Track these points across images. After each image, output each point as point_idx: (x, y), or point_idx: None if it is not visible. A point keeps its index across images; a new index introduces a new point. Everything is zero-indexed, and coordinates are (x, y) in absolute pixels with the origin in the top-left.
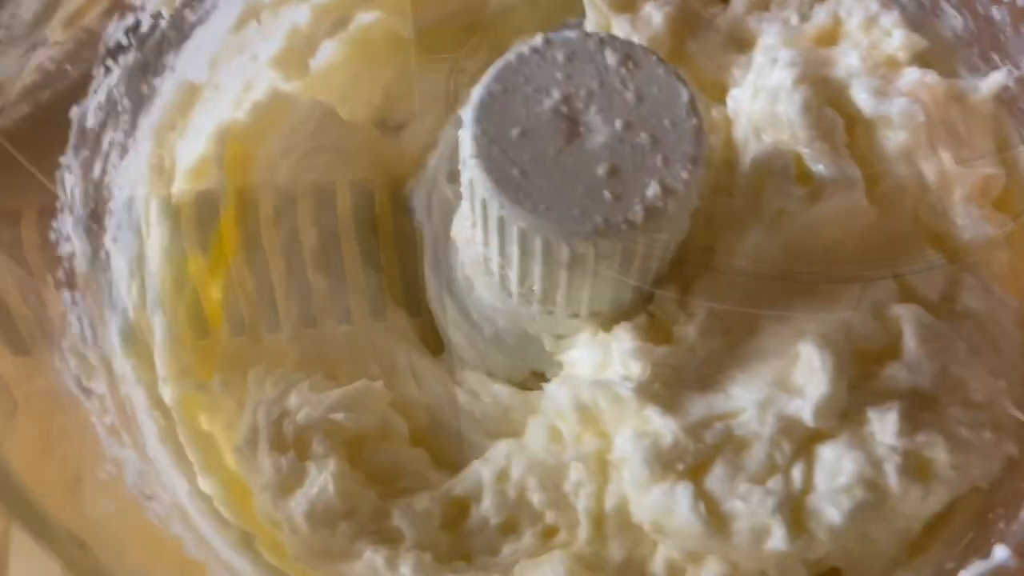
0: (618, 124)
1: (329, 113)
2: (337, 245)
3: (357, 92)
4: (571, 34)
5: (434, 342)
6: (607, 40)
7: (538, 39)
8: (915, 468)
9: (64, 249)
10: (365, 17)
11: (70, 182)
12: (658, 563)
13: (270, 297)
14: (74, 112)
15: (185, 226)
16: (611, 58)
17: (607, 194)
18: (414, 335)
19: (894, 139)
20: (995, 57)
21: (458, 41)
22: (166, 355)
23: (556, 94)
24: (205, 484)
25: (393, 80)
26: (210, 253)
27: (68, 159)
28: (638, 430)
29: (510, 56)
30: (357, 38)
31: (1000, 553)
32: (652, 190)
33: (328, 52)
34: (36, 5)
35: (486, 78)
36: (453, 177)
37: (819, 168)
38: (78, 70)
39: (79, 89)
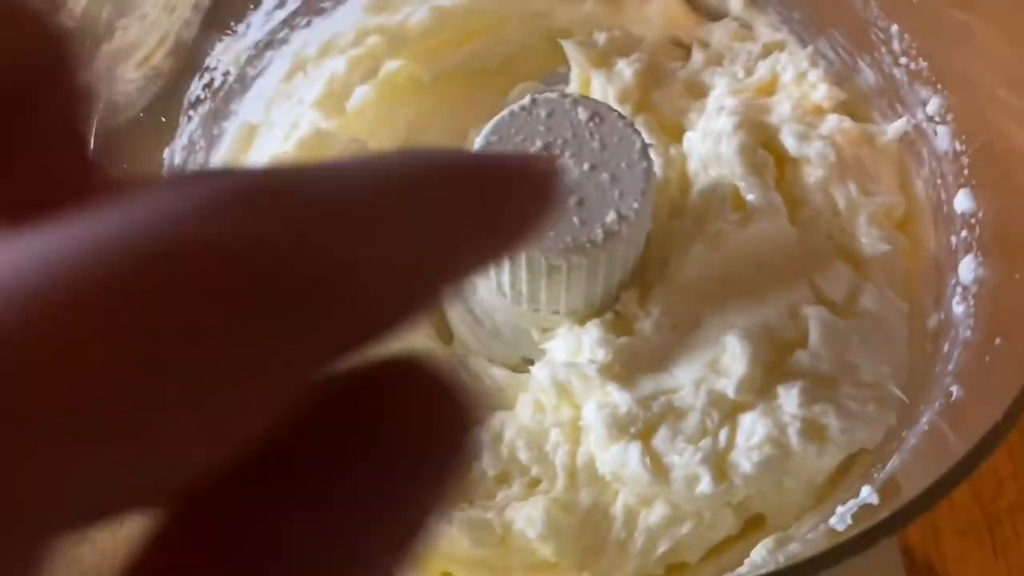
0: (585, 166)
1: (362, 147)
2: None
3: (384, 127)
4: (552, 95)
5: (445, 334)
6: (579, 100)
7: (526, 99)
8: (812, 431)
9: None
10: (391, 65)
11: None
12: (618, 506)
13: None
14: (166, 153)
15: None
16: (582, 114)
17: (575, 220)
18: (429, 328)
19: (813, 174)
20: (899, 107)
21: (468, 84)
22: None
23: (539, 142)
24: None
25: (414, 117)
26: None
27: None
28: (600, 402)
29: (504, 113)
30: (385, 82)
31: (865, 491)
32: (610, 217)
33: (361, 95)
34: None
35: (485, 130)
36: None
37: (751, 198)
38: (167, 116)
39: (167, 133)
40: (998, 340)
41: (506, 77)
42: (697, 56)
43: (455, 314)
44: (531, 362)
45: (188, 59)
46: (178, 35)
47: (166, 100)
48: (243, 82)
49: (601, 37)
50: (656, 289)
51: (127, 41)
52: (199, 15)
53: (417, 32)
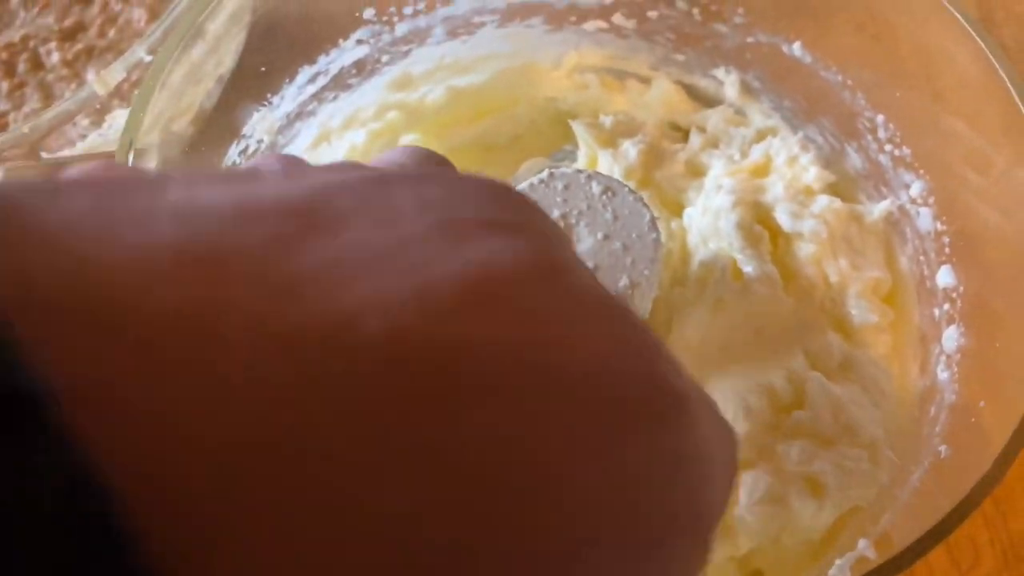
0: (599, 235)
1: None
2: None
3: None
4: (567, 170)
5: None
6: (593, 175)
7: (545, 173)
8: (811, 488)
9: None
10: (407, 138)
11: None
12: None
13: None
14: None
15: None
16: (596, 188)
17: None
18: None
19: (806, 249)
20: (884, 190)
21: (478, 158)
22: None
23: (556, 213)
24: None
25: None
26: None
27: None
28: None
29: (524, 185)
30: None
31: (861, 544)
32: (623, 282)
33: None
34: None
35: None
36: None
37: (748, 269)
38: None
39: None
40: (982, 403)
41: (515, 152)
42: (695, 139)
43: None
44: None
45: (207, 125)
46: (201, 105)
47: (184, 164)
48: (273, 149)
49: (607, 120)
50: None
51: (155, 111)
52: (220, 86)
53: (433, 109)
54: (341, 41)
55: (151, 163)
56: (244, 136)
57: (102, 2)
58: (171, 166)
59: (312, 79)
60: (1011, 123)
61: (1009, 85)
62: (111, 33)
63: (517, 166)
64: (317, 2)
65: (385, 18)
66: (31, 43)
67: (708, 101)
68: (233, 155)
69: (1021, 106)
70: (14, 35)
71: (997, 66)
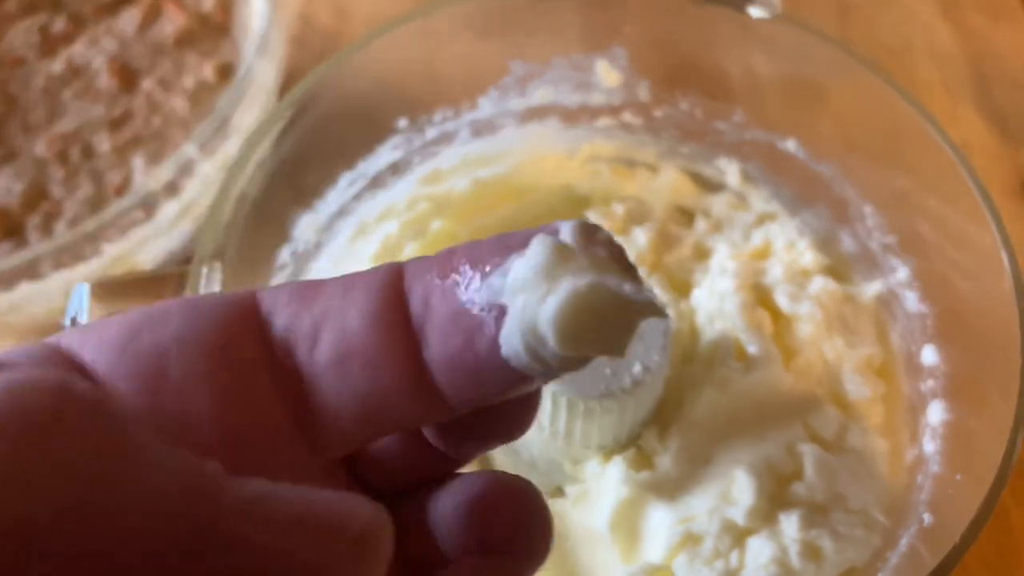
0: None
1: None
2: None
3: None
4: None
5: (487, 463)
6: None
7: None
8: (810, 553)
9: None
10: (435, 225)
11: None
12: None
13: None
14: None
15: None
16: None
17: (607, 370)
18: (474, 461)
19: (804, 330)
20: (875, 272)
21: None
22: None
23: None
24: None
25: None
26: None
27: None
28: None
29: None
30: (430, 239)
31: None
32: (636, 368)
33: (408, 251)
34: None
35: None
36: None
37: (751, 349)
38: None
39: None
40: (958, 476)
41: None
42: (700, 224)
43: (496, 448)
44: (562, 491)
45: (259, 229)
46: (242, 190)
47: (242, 268)
48: (318, 247)
49: (620, 208)
50: (673, 427)
51: (190, 199)
52: (260, 171)
53: (459, 198)
54: (378, 148)
55: (216, 281)
56: (293, 239)
57: (146, 92)
58: (228, 268)
59: (352, 182)
60: (981, 214)
61: (970, 183)
62: (156, 122)
63: None
64: (358, 117)
65: (417, 126)
66: (83, 133)
67: (712, 187)
68: (285, 256)
69: (982, 202)
70: (67, 126)
71: (959, 164)
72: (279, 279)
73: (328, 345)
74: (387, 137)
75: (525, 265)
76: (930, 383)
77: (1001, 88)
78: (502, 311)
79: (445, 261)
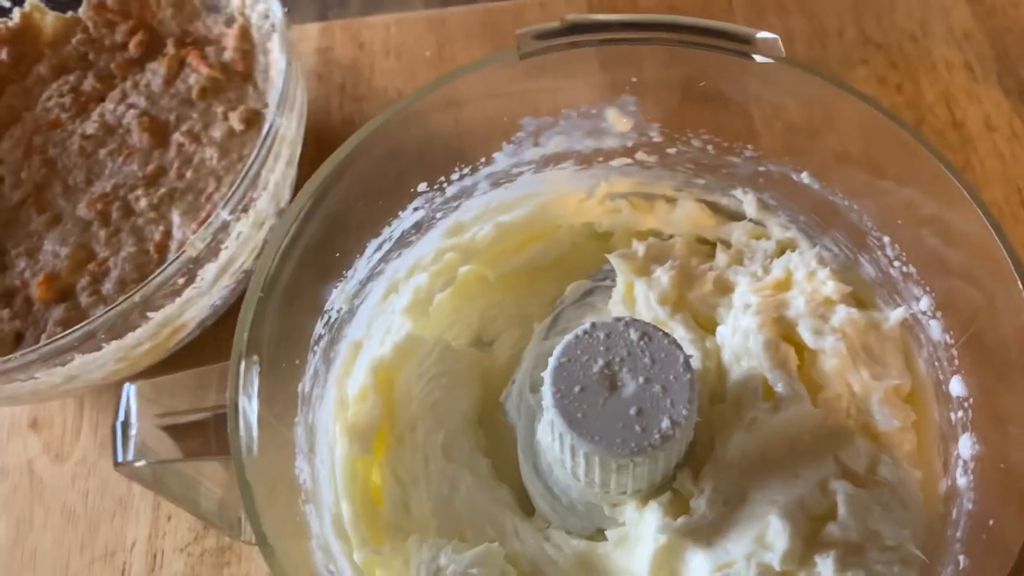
0: (640, 379)
1: (446, 347)
2: (459, 440)
3: (460, 320)
4: (607, 320)
5: (527, 507)
6: (631, 323)
7: (587, 325)
8: None
9: (302, 477)
10: (463, 269)
11: (299, 432)
12: None
13: (414, 480)
14: (299, 387)
15: (355, 438)
16: (634, 335)
17: (637, 428)
18: (515, 503)
19: (829, 363)
20: (897, 298)
21: (527, 279)
22: (353, 531)
23: (600, 361)
24: None
25: (484, 309)
26: (372, 454)
27: (299, 418)
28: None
29: (570, 337)
30: (459, 285)
31: None
32: (665, 423)
33: (439, 298)
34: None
35: (556, 352)
36: (534, 388)
37: (778, 387)
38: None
39: (297, 370)
40: (991, 521)
41: (560, 270)
42: (721, 257)
43: (536, 492)
44: (603, 532)
45: (294, 303)
46: (264, 240)
47: (278, 344)
48: (351, 312)
49: (640, 248)
50: (706, 468)
51: (227, 257)
52: (278, 217)
53: (484, 244)
54: (400, 212)
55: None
56: (326, 311)
57: (177, 145)
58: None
59: (379, 247)
60: (997, 255)
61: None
62: (188, 174)
63: (563, 282)
64: (377, 189)
65: (436, 186)
66: (121, 191)
67: (731, 215)
68: (319, 329)
69: (997, 239)
70: (106, 185)
71: (976, 206)
72: (316, 351)
73: None
74: (408, 201)
75: None
76: (959, 414)
77: None
78: None
79: None
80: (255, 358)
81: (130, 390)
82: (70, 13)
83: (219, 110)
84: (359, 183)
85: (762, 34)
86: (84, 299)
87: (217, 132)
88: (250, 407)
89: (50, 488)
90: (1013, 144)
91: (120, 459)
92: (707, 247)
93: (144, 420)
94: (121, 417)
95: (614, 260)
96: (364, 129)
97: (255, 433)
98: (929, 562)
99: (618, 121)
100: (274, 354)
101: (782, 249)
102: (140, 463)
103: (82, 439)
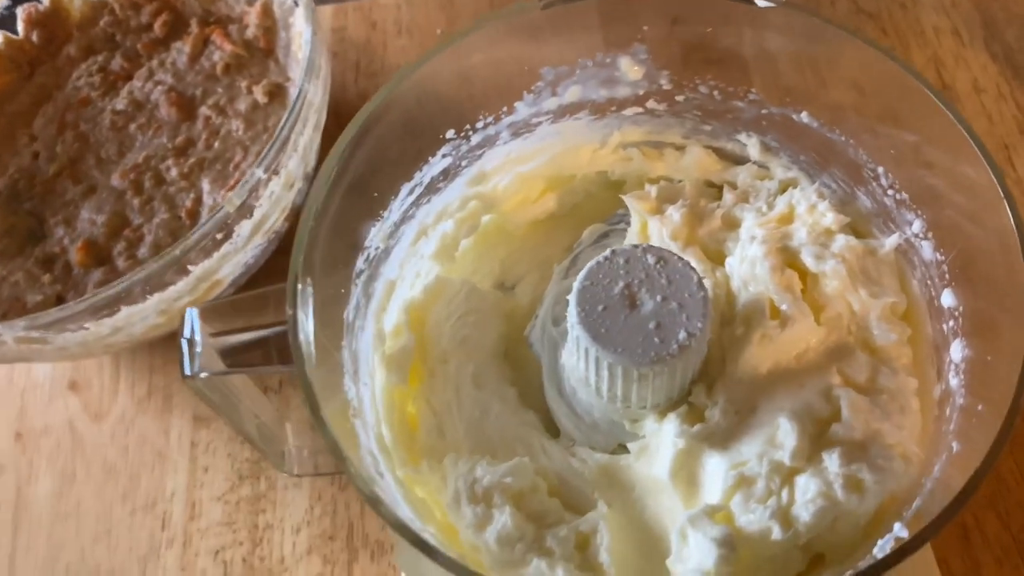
0: (658, 298)
1: (472, 288)
2: (487, 371)
3: (483, 266)
4: (626, 247)
5: (553, 430)
6: (647, 248)
7: (607, 251)
8: (852, 485)
9: (350, 395)
10: (485, 218)
11: (346, 355)
12: None
13: (447, 409)
14: (344, 312)
15: (392, 369)
16: (650, 259)
17: (656, 339)
18: (540, 426)
19: (830, 285)
20: (892, 226)
21: (546, 227)
22: (393, 451)
23: (620, 283)
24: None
25: (506, 256)
26: (407, 384)
27: (345, 342)
28: None
29: (592, 263)
30: (481, 233)
31: (897, 527)
32: (682, 335)
33: (464, 244)
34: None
35: (580, 276)
36: (556, 322)
37: (784, 307)
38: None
39: (342, 298)
40: (980, 407)
41: (577, 218)
42: (728, 196)
43: (561, 413)
44: (625, 447)
45: (335, 242)
46: (293, 202)
47: (325, 278)
48: (387, 252)
49: (652, 189)
50: (719, 383)
51: (260, 216)
52: (308, 183)
53: (505, 193)
54: (430, 158)
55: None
56: (366, 247)
57: (204, 118)
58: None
59: (411, 191)
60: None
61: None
62: (216, 144)
63: (579, 230)
64: (411, 134)
65: (462, 134)
66: (152, 162)
67: (736, 160)
68: (360, 264)
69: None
70: (137, 157)
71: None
72: (358, 283)
73: None
74: (438, 148)
75: None
76: (951, 323)
77: (1010, 28)
78: None
79: None
80: (309, 280)
81: (193, 312)
82: None
83: (243, 84)
84: (396, 126)
85: None
86: (121, 263)
87: (242, 105)
88: (306, 322)
89: (91, 444)
90: (1000, 104)
91: (188, 372)
92: (714, 189)
93: (206, 336)
94: (187, 335)
95: (628, 200)
96: (401, 73)
97: (312, 346)
98: (925, 457)
99: (630, 70)
100: (323, 280)
101: (784, 187)
102: (204, 374)
103: (119, 398)
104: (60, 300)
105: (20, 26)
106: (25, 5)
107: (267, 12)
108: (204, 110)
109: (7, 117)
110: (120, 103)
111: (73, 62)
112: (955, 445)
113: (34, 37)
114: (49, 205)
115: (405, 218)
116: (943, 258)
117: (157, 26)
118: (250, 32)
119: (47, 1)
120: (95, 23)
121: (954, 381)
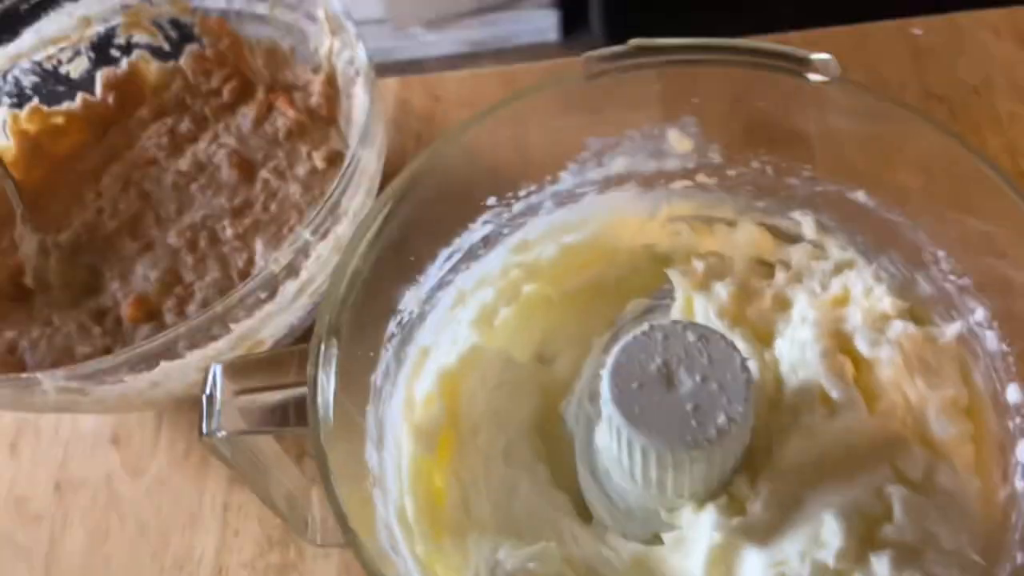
0: (697, 378)
1: (509, 358)
2: (519, 446)
3: (522, 337)
4: (665, 323)
5: (585, 513)
6: (688, 325)
7: (646, 326)
8: None
9: (372, 464)
10: (527, 288)
11: (370, 421)
12: None
13: (475, 483)
14: (372, 377)
15: (421, 439)
16: (691, 336)
17: (693, 423)
18: (572, 509)
19: (884, 373)
20: (953, 313)
21: (588, 300)
22: (416, 525)
23: (658, 360)
24: None
25: (546, 327)
26: (436, 455)
27: (371, 408)
28: None
29: (628, 338)
30: (522, 302)
31: None
32: (721, 419)
33: (504, 313)
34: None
35: (615, 350)
36: (592, 399)
37: (835, 395)
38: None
39: (371, 362)
40: None
41: (620, 293)
42: (780, 275)
43: (593, 496)
44: (660, 537)
45: (368, 303)
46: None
47: (353, 338)
48: (422, 317)
49: (700, 264)
50: (763, 474)
51: (306, 277)
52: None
53: (548, 263)
54: (470, 225)
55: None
56: (399, 311)
57: (263, 180)
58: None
59: (449, 257)
60: None
61: None
62: (272, 207)
63: (622, 304)
64: (452, 199)
65: (504, 202)
66: (208, 222)
67: (789, 238)
68: (392, 328)
69: None
70: (195, 216)
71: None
72: (389, 348)
73: None
74: (479, 214)
75: None
76: (1017, 421)
77: None
78: None
79: None
80: (334, 341)
81: (216, 368)
82: (172, 63)
83: (304, 150)
84: (436, 190)
85: (817, 55)
86: (169, 319)
87: (301, 170)
88: (327, 384)
89: (126, 500)
90: None
91: (205, 431)
92: (765, 267)
93: (227, 396)
94: (207, 392)
95: (673, 275)
96: (441, 139)
97: (331, 409)
98: (988, 567)
99: (679, 142)
100: (351, 342)
101: (840, 268)
102: (222, 434)
103: (158, 455)
104: (107, 352)
105: (98, 88)
106: (104, 69)
107: (331, 81)
108: (264, 173)
109: (77, 174)
110: (184, 164)
111: (144, 124)
112: (1019, 556)
113: (110, 99)
114: (107, 260)
115: (442, 284)
116: (1009, 349)
117: (226, 92)
118: (314, 100)
119: (125, 65)
120: (168, 87)
121: (1020, 485)
